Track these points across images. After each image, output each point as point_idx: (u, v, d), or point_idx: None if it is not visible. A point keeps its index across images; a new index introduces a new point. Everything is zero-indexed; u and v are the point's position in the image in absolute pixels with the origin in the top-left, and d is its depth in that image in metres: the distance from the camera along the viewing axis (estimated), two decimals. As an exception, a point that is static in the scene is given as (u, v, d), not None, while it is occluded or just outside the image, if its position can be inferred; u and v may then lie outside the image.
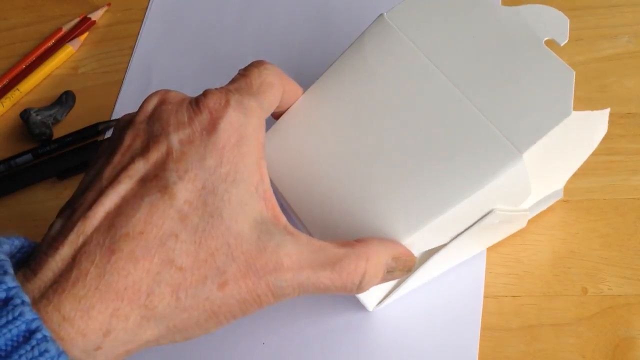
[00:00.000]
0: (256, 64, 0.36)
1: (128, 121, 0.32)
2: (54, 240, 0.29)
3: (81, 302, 0.27)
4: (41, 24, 0.61)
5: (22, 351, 0.25)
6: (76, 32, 0.59)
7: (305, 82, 0.41)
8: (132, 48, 0.58)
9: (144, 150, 0.30)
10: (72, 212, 0.30)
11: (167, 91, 0.33)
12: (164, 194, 0.29)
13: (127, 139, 0.31)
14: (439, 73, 0.37)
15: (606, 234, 0.42)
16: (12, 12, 0.63)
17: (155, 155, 0.30)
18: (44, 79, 0.58)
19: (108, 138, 0.34)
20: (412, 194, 0.35)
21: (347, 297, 0.42)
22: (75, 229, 0.29)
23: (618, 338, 0.39)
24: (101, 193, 0.29)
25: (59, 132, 0.54)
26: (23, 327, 0.26)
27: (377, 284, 0.34)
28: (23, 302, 0.26)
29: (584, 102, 0.47)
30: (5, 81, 0.58)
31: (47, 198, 0.52)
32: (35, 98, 0.57)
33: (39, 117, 0.54)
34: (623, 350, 0.38)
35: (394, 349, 0.40)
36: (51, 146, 0.53)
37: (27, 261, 0.30)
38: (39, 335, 0.26)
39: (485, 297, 0.41)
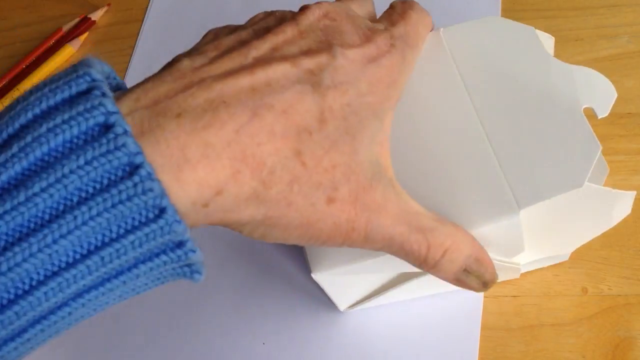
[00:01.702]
0: (414, 8, 0.35)
1: (288, 18, 0.31)
2: (180, 76, 0.27)
3: (207, 149, 0.25)
4: (41, 24, 0.61)
5: (122, 187, 0.24)
6: (76, 32, 0.59)
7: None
8: (132, 48, 0.58)
9: (308, 51, 0.30)
10: (207, 59, 0.28)
11: (330, 5, 0.32)
12: (316, 91, 0.29)
13: (289, 33, 0.30)
14: (469, 102, 0.36)
15: (606, 234, 0.42)
16: (12, 12, 0.63)
17: (317, 57, 0.29)
18: (44, 78, 0.58)
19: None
20: None
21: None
22: (214, 73, 0.27)
23: (618, 338, 0.39)
24: (255, 63, 0.28)
25: (59, 132, 0.54)
26: (125, 159, 0.24)
27: (452, 275, 0.33)
28: (125, 132, 0.24)
29: (584, 102, 0.47)
30: (5, 81, 0.58)
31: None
32: (35, 98, 0.57)
33: (39, 117, 0.54)
34: (623, 350, 0.38)
35: (397, 349, 0.40)
36: (51, 146, 0.53)
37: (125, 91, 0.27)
38: (142, 172, 0.24)
39: (485, 297, 0.41)
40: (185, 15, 0.59)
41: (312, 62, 0.29)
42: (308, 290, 0.43)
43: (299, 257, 0.45)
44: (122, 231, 0.24)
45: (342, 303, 0.41)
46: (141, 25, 0.59)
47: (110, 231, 0.24)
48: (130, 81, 0.56)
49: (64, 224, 0.23)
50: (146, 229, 0.24)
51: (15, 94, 0.56)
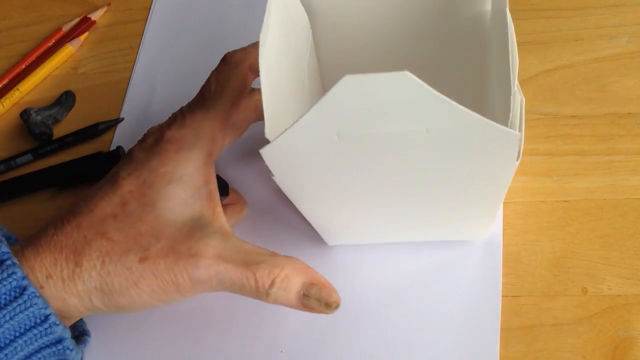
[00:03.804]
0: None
1: None
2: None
3: (38, 251, 0.36)
4: (41, 24, 0.61)
5: (15, 303, 0.34)
6: (76, 32, 0.59)
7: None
8: (133, 48, 0.58)
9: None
10: None
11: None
12: (114, 185, 0.37)
13: None
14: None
15: (606, 234, 0.42)
16: (12, 12, 0.63)
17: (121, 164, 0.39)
18: (44, 79, 0.58)
19: None
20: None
21: (362, 303, 0.43)
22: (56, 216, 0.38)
23: (618, 338, 0.39)
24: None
25: (59, 132, 0.54)
26: (15, 283, 0.34)
27: (294, 302, 0.36)
28: (14, 264, 0.34)
29: (584, 102, 0.47)
30: (5, 81, 0.58)
31: (47, 200, 0.52)
32: (35, 98, 0.57)
33: (39, 117, 0.54)
34: (623, 350, 0.38)
35: (415, 352, 0.40)
36: (51, 146, 0.53)
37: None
38: (29, 291, 0.34)
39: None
40: (190, 15, 0.59)
41: (114, 169, 0.39)
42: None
43: (317, 264, 0.45)
44: (17, 334, 0.34)
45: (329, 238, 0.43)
46: (145, 25, 0.59)
47: (9, 335, 0.34)
48: (135, 82, 0.56)
49: None
50: (35, 331, 0.34)
51: (15, 94, 0.56)
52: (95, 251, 0.35)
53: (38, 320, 0.34)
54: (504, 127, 0.31)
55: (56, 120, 0.55)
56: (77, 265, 0.35)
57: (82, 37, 0.59)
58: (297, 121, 0.31)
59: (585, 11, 0.51)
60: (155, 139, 0.39)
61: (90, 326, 0.46)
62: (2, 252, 0.35)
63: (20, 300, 0.34)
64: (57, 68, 0.58)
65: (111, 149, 0.53)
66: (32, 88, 0.58)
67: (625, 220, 0.42)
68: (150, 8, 0.60)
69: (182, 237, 0.36)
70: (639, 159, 0.44)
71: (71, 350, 0.36)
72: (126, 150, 0.53)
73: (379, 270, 0.43)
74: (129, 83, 0.56)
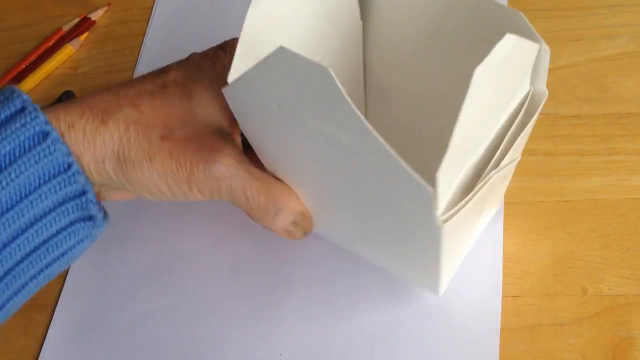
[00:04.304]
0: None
1: None
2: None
3: (70, 104, 0.36)
4: (41, 24, 0.61)
5: (38, 149, 0.33)
6: (76, 32, 0.59)
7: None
8: (133, 48, 0.58)
9: None
10: None
11: None
12: (162, 71, 0.38)
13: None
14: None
15: (606, 234, 0.42)
16: (12, 12, 0.63)
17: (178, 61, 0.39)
18: (44, 79, 0.58)
19: None
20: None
21: (362, 305, 0.43)
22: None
23: (618, 338, 0.39)
24: None
25: (59, 132, 0.54)
26: (38, 128, 0.33)
27: (285, 227, 0.38)
28: (36, 109, 0.33)
29: (584, 102, 0.47)
30: (5, 81, 0.58)
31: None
32: (35, 98, 0.57)
33: (39, 117, 0.54)
34: (623, 350, 0.38)
35: (415, 352, 0.41)
36: (51, 146, 0.53)
37: None
38: (52, 136, 0.33)
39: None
40: (190, 16, 0.59)
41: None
42: (324, 300, 0.43)
43: (316, 267, 0.45)
44: (37, 185, 0.33)
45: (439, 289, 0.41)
46: (146, 25, 0.59)
47: (33, 181, 0.33)
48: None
49: (3, 178, 0.32)
50: (59, 178, 0.33)
51: (15, 94, 0.56)
52: (123, 116, 0.35)
53: (61, 168, 0.33)
54: (412, 176, 0.28)
55: (56, 120, 0.55)
56: (102, 122, 0.35)
57: (82, 37, 0.59)
58: (244, 73, 0.31)
59: (585, 11, 0.51)
60: (217, 47, 0.39)
61: (90, 327, 0.46)
62: (24, 99, 0.33)
63: (43, 145, 0.33)
64: (57, 68, 0.58)
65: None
66: (32, 88, 0.58)
67: (625, 220, 0.42)
68: (152, 8, 0.60)
69: (205, 132, 0.36)
70: (639, 159, 0.44)
71: (94, 203, 0.35)
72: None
73: None
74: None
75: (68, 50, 0.59)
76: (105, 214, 0.37)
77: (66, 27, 0.60)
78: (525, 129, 0.35)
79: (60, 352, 0.46)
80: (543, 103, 0.35)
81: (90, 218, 0.36)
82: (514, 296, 0.41)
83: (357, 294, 0.43)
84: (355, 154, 0.30)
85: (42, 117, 0.33)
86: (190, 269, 0.47)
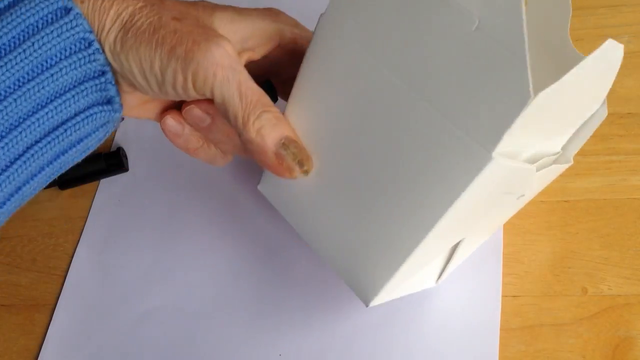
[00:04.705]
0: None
1: None
2: None
3: None
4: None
5: (59, 23, 0.33)
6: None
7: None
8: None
9: None
10: None
11: None
12: None
13: None
14: (390, 75, 0.34)
15: (606, 234, 0.42)
16: (12, 13, 0.63)
17: None
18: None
19: None
20: (402, 213, 0.34)
21: (362, 306, 0.43)
22: None
23: (618, 338, 0.39)
24: None
25: (59, 132, 0.54)
26: (60, 4, 0.33)
27: (273, 144, 0.35)
28: None
29: (584, 102, 0.47)
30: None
31: (47, 201, 0.52)
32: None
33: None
34: (623, 350, 0.38)
35: (415, 352, 0.41)
36: (51, 146, 0.53)
37: None
38: (75, 11, 0.33)
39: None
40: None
41: None
42: (324, 300, 0.43)
43: (315, 267, 0.45)
44: (57, 59, 0.33)
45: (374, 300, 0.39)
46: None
47: (56, 53, 0.33)
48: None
49: (27, 47, 0.32)
50: (79, 55, 0.33)
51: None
52: (148, 4, 0.35)
53: (82, 46, 0.33)
54: (463, 138, 0.31)
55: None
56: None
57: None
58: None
59: (585, 11, 0.51)
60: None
61: (90, 327, 0.46)
62: None
63: (66, 19, 0.33)
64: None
65: (112, 150, 0.53)
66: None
67: (625, 220, 0.42)
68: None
69: (212, 28, 0.36)
70: (639, 159, 0.44)
71: (113, 84, 0.35)
72: (127, 152, 0.53)
73: None
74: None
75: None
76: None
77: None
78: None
79: (60, 352, 0.46)
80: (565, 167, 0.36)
81: (109, 102, 0.35)
82: (514, 296, 0.41)
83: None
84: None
85: None
86: (190, 269, 0.47)
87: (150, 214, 0.50)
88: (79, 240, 0.50)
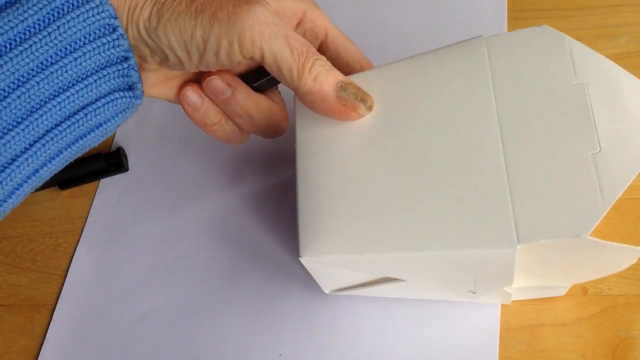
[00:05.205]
0: None
1: None
2: None
3: None
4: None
5: (84, 8, 0.32)
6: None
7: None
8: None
9: None
10: None
11: None
12: None
13: None
14: (495, 120, 0.35)
15: (606, 234, 0.42)
16: (12, 13, 0.63)
17: None
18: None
19: None
20: (401, 220, 0.34)
21: (362, 306, 0.43)
22: None
23: (618, 338, 0.39)
24: None
25: (59, 132, 0.54)
26: None
27: (325, 89, 0.35)
28: None
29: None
30: (5, 81, 0.58)
31: (47, 201, 0.52)
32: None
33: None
34: (623, 350, 0.38)
35: (415, 353, 0.41)
36: (51, 146, 0.53)
37: None
38: None
39: (485, 297, 0.41)
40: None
41: None
42: (324, 301, 0.43)
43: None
44: (81, 43, 0.33)
45: (326, 287, 0.41)
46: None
47: (74, 42, 0.33)
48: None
49: (52, 31, 0.32)
50: (104, 39, 0.33)
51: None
52: None
53: (106, 31, 0.33)
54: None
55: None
56: None
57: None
58: None
59: (585, 11, 0.51)
60: None
61: (90, 327, 0.46)
62: None
63: (92, 4, 0.32)
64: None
65: (112, 150, 0.53)
66: (32, 88, 0.57)
67: (625, 220, 0.42)
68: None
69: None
70: (639, 159, 0.44)
71: (136, 71, 0.35)
72: (127, 152, 0.53)
73: None
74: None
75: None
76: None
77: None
78: None
79: (60, 352, 0.46)
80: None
81: (131, 88, 0.35)
82: (514, 296, 0.41)
83: (356, 296, 0.43)
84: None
85: None
86: (190, 269, 0.47)
87: (150, 214, 0.50)
88: (79, 240, 0.50)
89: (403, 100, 0.37)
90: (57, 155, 0.34)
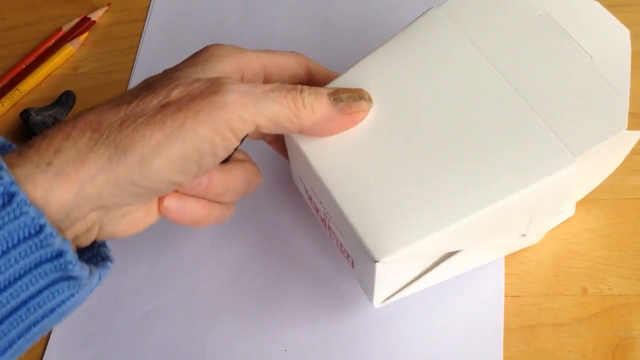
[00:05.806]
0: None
1: None
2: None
3: (47, 136, 0.32)
4: (41, 24, 0.61)
5: (4, 212, 0.29)
6: (76, 32, 0.59)
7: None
8: (132, 48, 0.58)
9: None
10: None
11: None
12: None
13: None
14: (492, 69, 0.37)
15: (606, 234, 0.42)
16: (12, 12, 0.63)
17: None
18: (44, 79, 0.58)
19: None
20: (456, 186, 0.34)
21: (366, 307, 0.43)
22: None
23: (618, 338, 0.39)
24: None
25: (59, 132, 0.54)
26: (1, 189, 0.29)
27: (324, 106, 0.35)
28: (1, 167, 0.30)
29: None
30: (5, 81, 0.58)
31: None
32: (35, 98, 0.57)
33: (39, 117, 0.54)
34: (623, 350, 0.38)
35: (418, 352, 0.41)
36: (52, 146, 0.53)
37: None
38: (19, 198, 0.29)
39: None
40: (187, 15, 0.59)
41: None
42: (329, 296, 0.43)
43: (319, 263, 0.45)
44: (9, 245, 0.30)
45: (381, 296, 0.39)
46: (144, 25, 0.59)
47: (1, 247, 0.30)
48: (135, 81, 0.56)
49: None
50: (29, 242, 0.30)
51: (15, 94, 0.56)
52: (114, 116, 0.32)
53: (32, 231, 0.30)
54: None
55: (56, 120, 0.55)
56: (94, 131, 0.32)
57: (82, 37, 0.59)
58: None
59: (585, 11, 0.51)
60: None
61: (94, 326, 0.46)
62: None
63: (8, 209, 0.29)
64: (57, 68, 0.58)
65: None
66: (32, 88, 0.58)
67: (625, 220, 0.42)
68: (149, 8, 0.60)
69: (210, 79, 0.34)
70: (639, 159, 0.44)
71: (74, 265, 0.31)
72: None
73: None
74: (128, 83, 0.56)
75: (68, 51, 0.59)
76: (106, 258, 0.34)
77: (66, 27, 0.60)
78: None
79: (65, 353, 0.46)
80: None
81: (72, 277, 0.32)
82: (515, 296, 0.41)
83: (361, 290, 0.43)
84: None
85: (6, 177, 0.29)
86: (193, 267, 0.47)
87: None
88: (79, 241, 0.50)
89: (395, 84, 0.37)
90: (10, 346, 0.32)
